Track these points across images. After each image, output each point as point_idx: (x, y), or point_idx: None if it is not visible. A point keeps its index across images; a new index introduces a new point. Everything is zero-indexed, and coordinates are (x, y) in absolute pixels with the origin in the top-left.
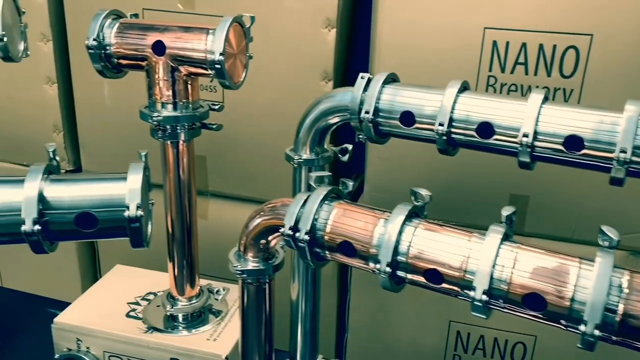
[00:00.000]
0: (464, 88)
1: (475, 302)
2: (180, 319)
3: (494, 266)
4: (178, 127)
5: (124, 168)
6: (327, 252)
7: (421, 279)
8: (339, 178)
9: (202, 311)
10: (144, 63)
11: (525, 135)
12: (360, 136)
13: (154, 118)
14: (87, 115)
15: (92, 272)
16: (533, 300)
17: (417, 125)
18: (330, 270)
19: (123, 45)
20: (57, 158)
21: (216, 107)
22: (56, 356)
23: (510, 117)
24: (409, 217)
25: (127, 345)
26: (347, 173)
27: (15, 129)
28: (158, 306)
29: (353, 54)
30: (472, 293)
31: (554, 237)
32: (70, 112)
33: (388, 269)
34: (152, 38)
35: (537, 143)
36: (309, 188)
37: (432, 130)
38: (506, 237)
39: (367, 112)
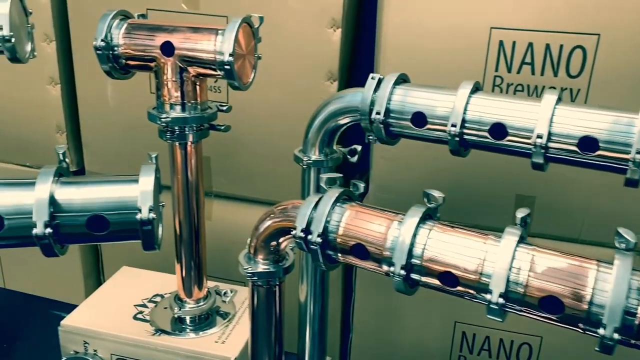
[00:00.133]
0: (476, 89)
1: (492, 305)
2: (188, 321)
3: (510, 269)
4: (186, 129)
5: (128, 169)
6: (339, 254)
7: (436, 281)
8: (342, 179)
9: (210, 313)
10: (152, 64)
11: (540, 137)
12: (370, 137)
13: (163, 119)
14: (90, 115)
15: (95, 274)
16: (550, 303)
17: (428, 126)
18: (334, 270)
19: (131, 46)
20: (67, 160)
21: (224, 108)
22: (63, 359)
23: (523, 118)
24: (423, 220)
25: (135, 347)
26: (352, 173)
27: (18, 130)
28: (165, 308)
29: (358, 54)
30: (488, 296)
31: (560, 237)
32: (73, 112)
33: (402, 272)
34: (160, 39)
35: (551, 144)
36: (318, 189)
37: (444, 131)
38: (521, 240)
39: (378, 113)
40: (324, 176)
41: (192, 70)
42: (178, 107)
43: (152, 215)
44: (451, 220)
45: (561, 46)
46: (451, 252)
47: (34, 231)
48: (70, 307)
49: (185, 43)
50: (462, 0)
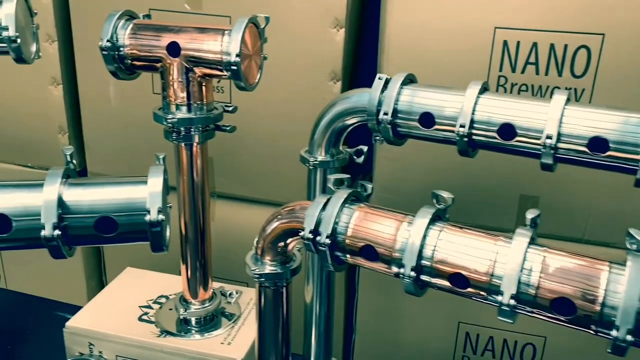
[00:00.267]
0: (484, 89)
1: (503, 307)
2: (193, 322)
3: (521, 270)
4: (192, 129)
5: (130, 169)
6: (348, 255)
7: (446, 283)
8: (350, 179)
9: (215, 314)
10: (158, 65)
11: (549, 137)
12: (377, 137)
13: (169, 120)
14: (92, 116)
15: (97, 275)
16: (562, 305)
17: (436, 126)
18: None
19: (137, 47)
20: (75, 161)
21: (230, 108)
22: None
23: (532, 119)
24: (432, 221)
25: (141, 349)
26: (355, 173)
27: (20, 130)
28: (170, 309)
29: (361, 54)
30: (499, 297)
31: (564, 237)
32: (75, 113)
33: (413, 274)
34: (166, 39)
35: (560, 145)
36: (324, 190)
37: (452, 131)
38: (532, 241)
39: (385, 114)
40: (332, 177)
41: (198, 70)
42: (184, 108)
43: (161, 216)
44: (454, 221)
45: (565, 46)
46: (462, 254)
47: (43, 233)
48: (72, 308)
49: (192, 43)
50: (467, 0)
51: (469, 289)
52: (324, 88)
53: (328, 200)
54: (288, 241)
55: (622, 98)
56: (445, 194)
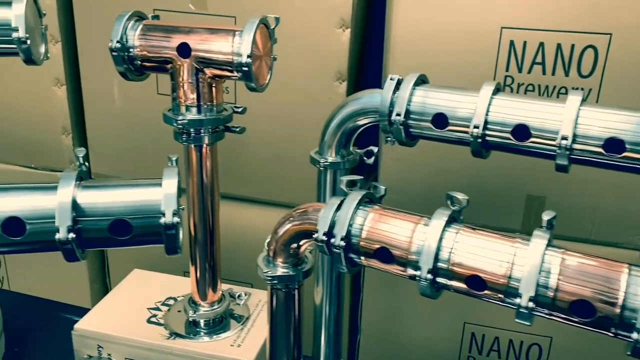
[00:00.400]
0: (497, 89)
1: (521, 310)
2: (202, 324)
3: (539, 272)
4: (202, 131)
5: (134, 170)
6: (362, 257)
7: (463, 285)
8: (363, 181)
9: (224, 316)
10: (168, 66)
11: (564, 138)
12: (389, 138)
13: (179, 121)
14: (96, 117)
15: (101, 276)
16: (581, 308)
17: (450, 127)
18: None
19: (147, 48)
20: (87, 163)
21: (239, 109)
22: None
23: (547, 120)
24: (448, 222)
25: (150, 352)
26: (360, 174)
27: (23, 131)
28: (179, 311)
29: (366, 54)
30: (517, 300)
31: (571, 238)
32: (79, 113)
33: (429, 276)
34: (177, 40)
35: (576, 146)
36: (334, 191)
37: (466, 132)
38: (549, 242)
39: (398, 114)
40: (344, 178)
41: (209, 71)
42: (194, 109)
43: (176, 219)
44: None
45: (572, 46)
46: (479, 256)
47: (57, 236)
48: (77, 310)
49: (202, 44)
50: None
51: (486, 292)
52: (330, 88)
53: (341, 202)
54: (301, 243)
55: (630, 98)
56: (460, 196)
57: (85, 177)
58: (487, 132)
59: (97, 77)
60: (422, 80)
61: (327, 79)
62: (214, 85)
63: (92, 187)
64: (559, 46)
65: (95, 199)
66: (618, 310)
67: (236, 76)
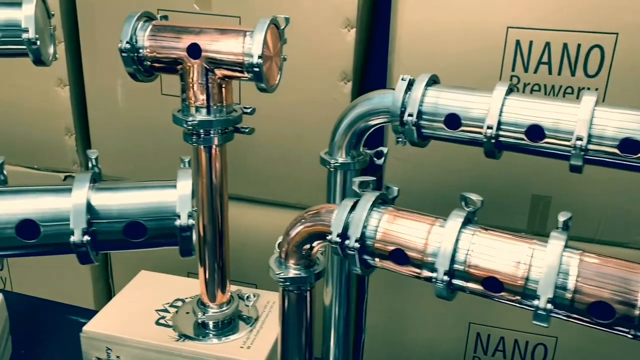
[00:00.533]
0: (510, 90)
1: (539, 311)
2: (211, 326)
3: (558, 274)
4: (212, 132)
5: (138, 171)
6: (376, 259)
7: (479, 287)
8: (375, 182)
9: (232, 318)
10: (178, 67)
11: (580, 139)
12: (400, 139)
13: (190, 123)
14: (99, 117)
15: (104, 276)
16: (600, 309)
17: (462, 128)
18: None
19: (157, 49)
20: (99, 165)
21: (248, 110)
22: None
23: (561, 120)
24: (464, 224)
25: (160, 354)
26: (364, 174)
27: (26, 132)
28: (187, 313)
29: (370, 54)
30: (535, 302)
31: (577, 237)
32: (82, 114)
33: (446, 278)
34: (187, 41)
35: (591, 146)
36: (344, 192)
37: (479, 133)
38: (566, 244)
39: (410, 115)
40: (357, 180)
41: (219, 72)
42: (204, 110)
43: (191, 221)
44: None
45: (579, 45)
46: (496, 257)
47: (72, 239)
48: (82, 311)
49: (213, 45)
50: None
51: (502, 293)
52: (335, 88)
53: (355, 203)
54: (313, 245)
55: (636, 97)
56: (474, 197)
57: (98, 179)
58: (501, 133)
59: (101, 77)
60: (433, 81)
61: (332, 79)
62: (223, 86)
63: (106, 189)
64: (565, 46)
65: (109, 201)
66: (638, 312)
67: (246, 77)
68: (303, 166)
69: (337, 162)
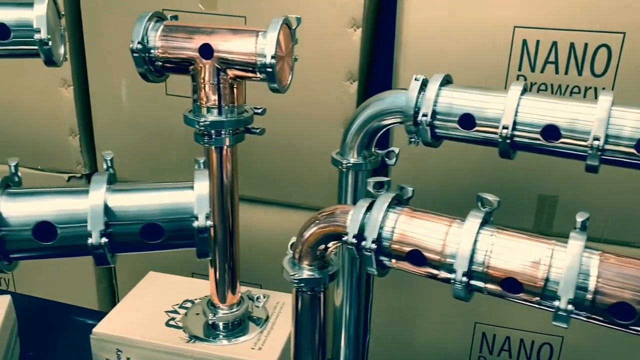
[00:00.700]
0: (524, 90)
1: (560, 312)
2: (221, 327)
3: (578, 275)
4: (223, 132)
5: (142, 172)
6: (393, 260)
7: (497, 288)
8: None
9: (242, 319)
10: (190, 67)
11: (597, 139)
12: (412, 139)
13: (201, 123)
14: (103, 118)
15: (107, 276)
16: (621, 310)
17: (477, 128)
18: None
19: (168, 49)
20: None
21: (259, 110)
22: None
23: (577, 120)
24: (481, 225)
25: (171, 355)
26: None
27: (30, 133)
28: (197, 314)
29: (375, 54)
30: (556, 303)
31: None
32: (86, 114)
33: (464, 279)
34: (199, 41)
35: (608, 146)
36: (356, 192)
37: (493, 133)
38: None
39: (425, 115)
40: (372, 180)
41: (231, 72)
42: (215, 111)
43: (209, 222)
44: None
45: (586, 45)
46: (515, 258)
47: (90, 241)
48: (88, 312)
49: (225, 45)
50: None
51: (521, 294)
52: (340, 88)
53: (370, 204)
54: (328, 245)
55: None
56: (491, 197)
57: (114, 181)
58: (516, 133)
59: (105, 77)
60: (446, 81)
61: (337, 79)
62: (235, 86)
63: (123, 191)
64: (572, 45)
65: (126, 202)
66: None
67: (259, 77)
68: (308, 166)
69: (349, 163)
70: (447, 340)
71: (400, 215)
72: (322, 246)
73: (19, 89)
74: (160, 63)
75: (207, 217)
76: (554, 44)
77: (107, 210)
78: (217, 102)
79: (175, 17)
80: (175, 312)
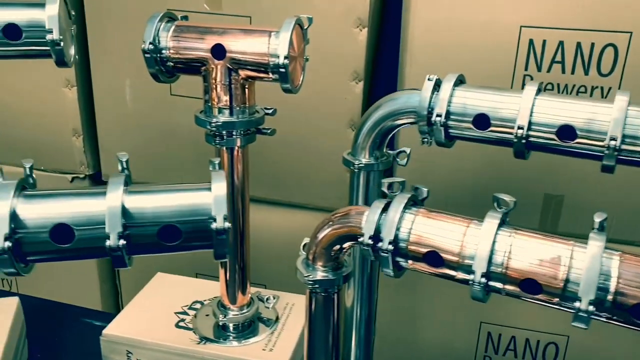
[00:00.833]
0: (539, 90)
1: (580, 313)
2: (231, 328)
3: (599, 275)
4: (234, 133)
5: (146, 173)
6: (409, 261)
7: (516, 289)
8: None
9: (252, 320)
10: (202, 67)
11: (613, 139)
12: (425, 139)
13: (213, 124)
14: (107, 118)
15: (110, 276)
16: None
17: (492, 128)
18: None
19: (180, 50)
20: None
21: (270, 111)
22: None
23: (593, 120)
24: (499, 225)
25: (181, 357)
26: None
27: (34, 133)
28: (207, 315)
29: (380, 53)
30: (577, 304)
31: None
32: (90, 115)
33: (483, 280)
34: (211, 41)
35: (624, 147)
36: (367, 193)
37: (508, 133)
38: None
39: (439, 115)
40: (386, 181)
41: (243, 73)
42: (226, 111)
43: (227, 224)
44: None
45: (592, 44)
46: (534, 259)
47: (108, 243)
48: (95, 313)
49: (237, 45)
50: None
51: (541, 296)
52: (346, 88)
53: (386, 204)
54: (343, 246)
55: None
56: (507, 197)
57: (130, 182)
58: (531, 133)
59: (108, 78)
60: (460, 81)
61: (343, 79)
62: (246, 86)
63: (140, 192)
64: (578, 45)
65: (143, 204)
66: None
67: (271, 77)
68: (313, 165)
69: (360, 163)
70: (453, 339)
71: (417, 216)
72: (337, 247)
73: (23, 90)
74: (171, 63)
75: (225, 219)
76: (561, 43)
77: (125, 211)
78: (228, 103)
79: (185, 18)
80: (185, 313)
